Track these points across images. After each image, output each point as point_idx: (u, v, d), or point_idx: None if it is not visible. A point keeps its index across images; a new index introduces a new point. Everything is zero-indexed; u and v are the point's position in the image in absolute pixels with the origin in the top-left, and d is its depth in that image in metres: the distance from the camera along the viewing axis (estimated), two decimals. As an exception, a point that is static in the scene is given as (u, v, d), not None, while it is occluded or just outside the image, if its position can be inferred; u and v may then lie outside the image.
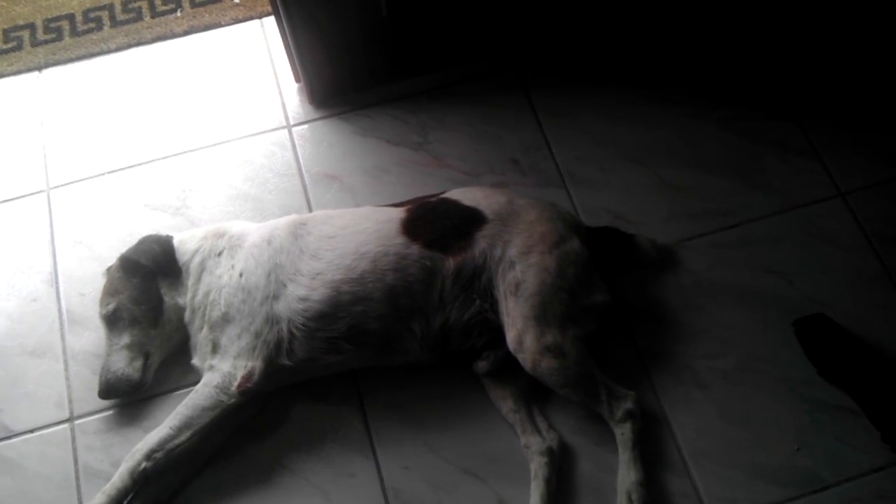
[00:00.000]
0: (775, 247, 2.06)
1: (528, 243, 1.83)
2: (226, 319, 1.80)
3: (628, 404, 1.78)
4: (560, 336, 1.76)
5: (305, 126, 2.28)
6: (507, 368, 1.83)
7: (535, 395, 1.86)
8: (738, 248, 2.06)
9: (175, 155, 2.24)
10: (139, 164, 2.22)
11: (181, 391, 1.89)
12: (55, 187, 2.19)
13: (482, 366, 1.84)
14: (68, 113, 2.32)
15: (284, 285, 1.80)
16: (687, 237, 2.07)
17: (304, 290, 1.79)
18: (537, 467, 1.76)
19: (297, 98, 2.33)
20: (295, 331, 1.79)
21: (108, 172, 2.21)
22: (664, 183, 2.15)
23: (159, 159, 2.23)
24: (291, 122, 2.28)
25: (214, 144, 2.25)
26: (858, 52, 2.36)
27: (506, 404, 1.84)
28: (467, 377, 1.87)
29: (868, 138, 2.22)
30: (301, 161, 2.22)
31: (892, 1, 2.35)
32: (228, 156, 2.24)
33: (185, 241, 1.93)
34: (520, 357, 1.77)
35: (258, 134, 2.27)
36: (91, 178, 2.21)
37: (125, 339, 1.85)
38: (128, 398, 1.88)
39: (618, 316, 1.93)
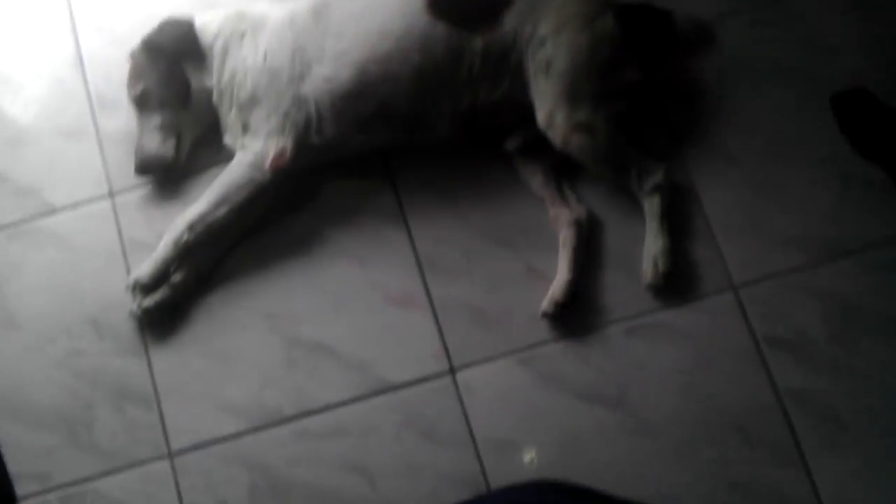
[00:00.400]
0: (816, 20, 1.98)
1: (559, 21, 1.79)
2: (254, 100, 1.82)
3: (658, 177, 1.80)
4: (591, 113, 1.76)
5: None
6: (538, 145, 1.84)
7: (564, 170, 1.87)
8: (778, 24, 1.98)
9: None
10: None
11: (216, 168, 1.92)
12: None
13: (512, 142, 1.86)
14: None
15: (310, 66, 1.80)
16: (722, 14, 1.99)
17: (329, 71, 1.79)
18: (566, 237, 1.81)
19: None
20: (323, 110, 1.80)
21: None
22: None
23: None
24: None
25: None
26: None
27: (536, 179, 1.87)
28: (497, 155, 1.88)
29: None
30: None
31: None
32: None
33: (207, 23, 1.91)
34: (550, 134, 1.78)
35: None
36: None
37: (156, 119, 1.88)
38: (164, 175, 1.93)
39: (651, 94, 1.90)
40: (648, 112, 1.90)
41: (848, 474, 1.71)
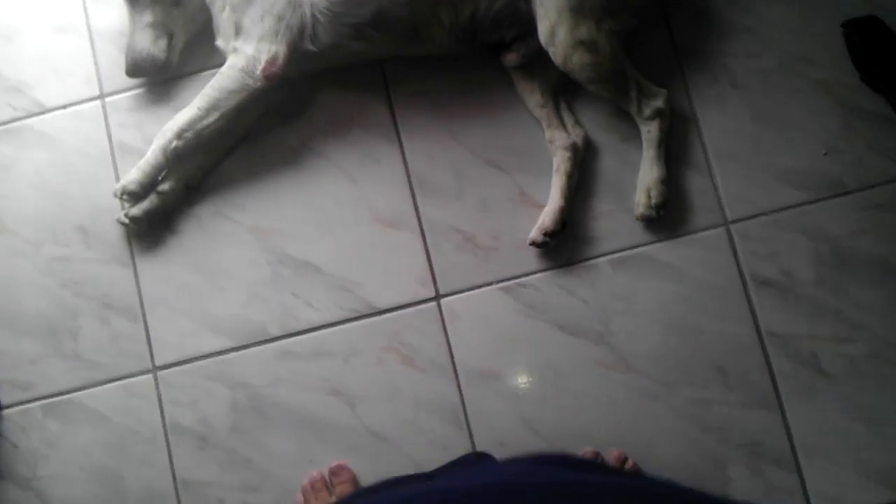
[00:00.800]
0: None
1: None
2: (247, 1, 1.76)
3: (658, 102, 1.77)
4: (595, 29, 1.71)
5: None
6: (537, 62, 1.80)
7: (563, 90, 1.84)
8: None
9: None
10: None
11: (207, 72, 1.89)
12: None
13: (511, 58, 1.81)
14: None
15: None
16: None
17: None
18: (560, 161, 1.80)
19: None
20: (319, 15, 1.75)
21: None
22: None
23: None
24: None
25: None
26: None
27: (533, 98, 1.83)
28: (495, 70, 1.84)
29: None
30: None
31: None
32: None
33: None
34: (551, 51, 1.73)
35: None
36: None
37: (147, 17, 1.82)
38: (155, 77, 1.90)
39: (657, 8, 1.85)
40: (652, 28, 1.86)
41: (824, 422, 1.76)
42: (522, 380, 1.81)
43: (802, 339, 1.77)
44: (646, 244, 1.81)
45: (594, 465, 1.61)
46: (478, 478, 1.22)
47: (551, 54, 1.73)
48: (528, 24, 1.76)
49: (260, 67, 1.75)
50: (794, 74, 1.85)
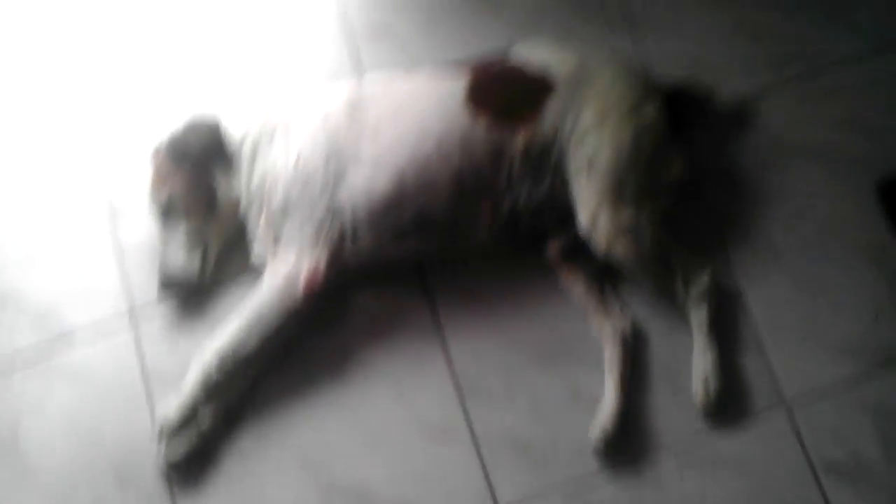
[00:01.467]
0: (862, 97, 1.95)
1: (601, 113, 1.74)
2: (285, 210, 1.75)
3: (704, 283, 1.76)
4: (636, 214, 1.72)
5: None
6: (579, 250, 1.78)
7: (607, 276, 1.82)
8: (821, 99, 1.95)
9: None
10: None
11: (243, 284, 1.85)
12: None
13: (553, 249, 1.81)
14: None
15: (345, 171, 1.74)
16: (766, 88, 1.96)
17: (366, 178, 1.73)
18: (611, 356, 1.76)
19: None
20: (359, 220, 1.74)
21: None
22: (743, 24, 2.01)
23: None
24: None
25: None
26: None
27: (577, 287, 1.82)
28: (536, 260, 1.83)
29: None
30: (348, 11, 2.05)
31: None
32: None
33: (234, 122, 1.83)
34: (593, 239, 1.73)
35: None
36: None
37: (181, 230, 1.79)
38: (188, 291, 1.84)
39: (693, 183, 1.84)
40: (689, 201, 1.85)
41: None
42: None
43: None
44: (709, 435, 1.75)
45: None
46: None
47: (594, 242, 1.73)
48: (567, 212, 1.76)
49: (302, 277, 1.72)
50: (833, 238, 1.86)
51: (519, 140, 1.73)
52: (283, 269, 1.73)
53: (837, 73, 1.97)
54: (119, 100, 2.03)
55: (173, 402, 1.72)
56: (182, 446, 1.71)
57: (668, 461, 1.74)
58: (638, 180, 1.73)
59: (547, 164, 1.75)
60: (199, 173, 1.79)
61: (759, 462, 1.74)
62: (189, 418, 1.72)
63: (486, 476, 1.76)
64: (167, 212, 1.80)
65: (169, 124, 1.85)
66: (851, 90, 1.95)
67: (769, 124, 1.93)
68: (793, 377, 1.77)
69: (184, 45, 2.06)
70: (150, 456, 1.74)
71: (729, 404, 1.75)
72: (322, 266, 1.73)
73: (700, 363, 1.75)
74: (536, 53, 1.83)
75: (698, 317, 1.76)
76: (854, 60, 1.98)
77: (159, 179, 1.81)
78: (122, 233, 1.93)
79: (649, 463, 1.74)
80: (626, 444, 1.74)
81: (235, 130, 1.82)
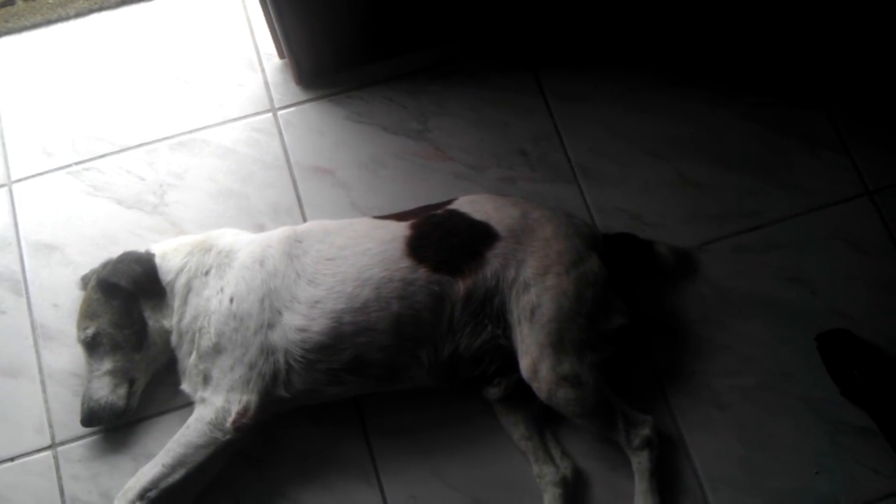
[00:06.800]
0: (799, 252, 2.19)
1: (543, 264, 1.92)
2: (217, 350, 1.90)
3: (645, 431, 1.93)
4: (577, 364, 1.89)
5: (292, 110, 2.36)
6: (519, 393, 1.96)
7: (547, 419, 2.00)
8: (760, 252, 2.19)
9: (147, 143, 2.31)
10: (108, 155, 2.29)
11: (170, 414, 2.01)
12: (17, 181, 2.25)
13: (493, 392, 1.97)
14: (25, 91, 2.37)
15: (280, 313, 1.89)
16: (707, 241, 2.20)
17: (302, 320, 1.88)
18: (551, 499, 1.92)
19: (281, 77, 2.39)
20: (293, 362, 1.89)
21: (75, 164, 2.27)
22: (684, 180, 2.27)
23: (130, 148, 2.30)
24: (276, 105, 2.36)
25: (190, 131, 2.33)
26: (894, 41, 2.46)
27: (517, 430, 1.98)
28: (476, 399, 2.00)
29: (900, 133, 2.36)
30: (289, 151, 2.30)
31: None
32: (207, 145, 2.31)
33: (168, 256, 1.99)
34: (534, 386, 1.89)
35: (239, 119, 2.35)
36: (56, 170, 2.26)
37: (107, 364, 1.94)
38: (113, 423, 1.98)
39: (635, 332, 2.04)
40: (632, 351, 2.06)
41: None
42: None
43: None
44: None
45: None
46: None
47: (535, 389, 1.90)
48: (508, 358, 1.94)
49: (230, 419, 1.86)
50: (775, 391, 2.07)
51: (460, 287, 1.90)
52: (213, 408, 1.86)
53: (775, 229, 2.22)
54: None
55: None
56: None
57: None
58: (580, 331, 1.91)
59: (489, 310, 1.92)
60: (128, 308, 1.95)
61: None
62: None
63: None
64: (94, 346, 1.94)
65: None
66: (790, 245, 2.20)
67: (709, 276, 2.17)
68: (733, 535, 1.98)
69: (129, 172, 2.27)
70: None
71: (669, 551, 1.93)
72: (252, 407, 1.86)
73: (641, 508, 1.94)
74: (479, 205, 2.02)
75: (640, 463, 1.93)
76: (790, 217, 2.22)
77: (88, 314, 1.96)
78: (48, 359, 2.07)
79: None
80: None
81: (171, 265, 1.98)
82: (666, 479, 1.97)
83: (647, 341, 2.10)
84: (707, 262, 2.18)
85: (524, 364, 1.90)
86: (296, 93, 2.37)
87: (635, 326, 2.04)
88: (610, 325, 1.95)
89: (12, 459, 1.99)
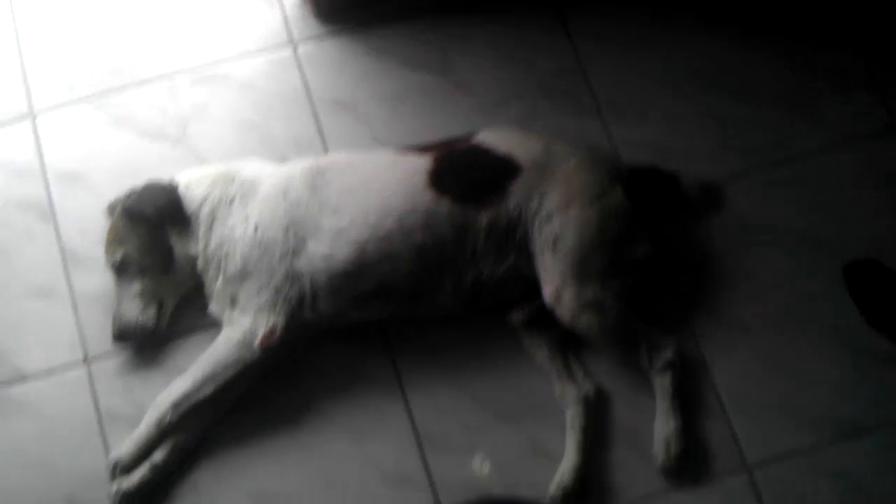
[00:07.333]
0: (827, 185, 2.37)
1: (566, 195, 2.10)
2: (243, 275, 2.10)
3: (668, 354, 2.11)
4: (600, 291, 2.08)
5: (311, 43, 2.54)
6: (542, 318, 2.14)
7: (570, 342, 2.18)
8: (787, 186, 2.37)
9: (167, 75, 2.53)
10: (128, 86, 2.52)
11: (199, 333, 2.24)
12: (41, 112, 2.50)
13: (517, 317, 2.16)
14: (45, 24, 2.58)
15: (305, 241, 2.08)
16: (733, 174, 2.39)
17: (326, 249, 2.07)
18: (573, 416, 2.11)
19: (299, 10, 2.58)
20: (318, 288, 2.07)
21: (98, 94, 2.51)
22: (710, 114, 2.45)
23: (152, 80, 2.51)
24: (295, 39, 2.56)
25: (210, 63, 2.53)
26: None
27: (540, 352, 2.17)
28: (501, 324, 2.20)
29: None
30: (309, 84, 2.50)
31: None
32: (227, 78, 2.51)
33: (192, 186, 2.17)
34: (558, 312, 2.06)
35: (259, 52, 2.53)
36: (77, 101, 2.50)
37: (136, 287, 2.15)
38: (143, 342, 2.20)
39: (660, 262, 2.22)
40: (656, 280, 2.25)
41: None
42: None
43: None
44: (669, 492, 2.13)
45: None
46: None
47: (558, 315, 2.07)
48: (532, 284, 2.11)
49: (257, 340, 2.07)
50: (800, 318, 2.27)
51: (483, 218, 2.08)
52: (240, 328, 2.09)
53: (801, 163, 2.42)
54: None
55: (128, 440, 2.07)
56: (135, 478, 2.06)
57: (626, 514, 2.01)
58: (603, 259, 2.09)
59: (512, 240, 2.10)
60: (154, 235, 2.16)
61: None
62: (143, 455, 2.06)
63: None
64: (122, 270, 2.15)
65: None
66: (815, 178, 2.39)
67: (735, 209, 2.35)
68: (755, 442, 2.15)
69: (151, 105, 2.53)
70: (104, 489, 2.10)
71: (690, 466, 2.11)
72: (279, 329, 2.07)
73: (662, 426, 2.10)
74: (502, 138, 2.21)
75: (662, 384, 2.12)
76: (819, 152, 2.44)
77: (114, 239, 2.16)
78: (78, 282, 2.33)
79: (607, 514, 2.01)
80: (585, 501, 2.11)
81: (195, 195, 2.18)
82: (687, 398, 2.15)
83: (672, 271, 2.27)
84: (733, 196, 2.36)
85: (547, 291, 2.07)
86: (315, 27, 2.55)
87: (660, 256, 2.21)
88: (633, 255, 2.13)
89: (48, 375, 2.22)
